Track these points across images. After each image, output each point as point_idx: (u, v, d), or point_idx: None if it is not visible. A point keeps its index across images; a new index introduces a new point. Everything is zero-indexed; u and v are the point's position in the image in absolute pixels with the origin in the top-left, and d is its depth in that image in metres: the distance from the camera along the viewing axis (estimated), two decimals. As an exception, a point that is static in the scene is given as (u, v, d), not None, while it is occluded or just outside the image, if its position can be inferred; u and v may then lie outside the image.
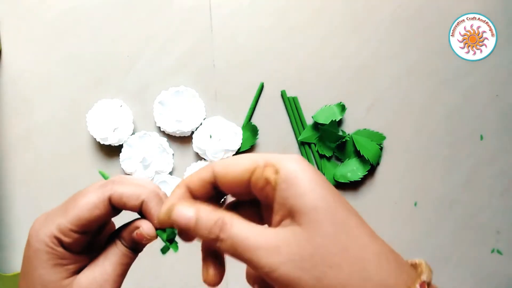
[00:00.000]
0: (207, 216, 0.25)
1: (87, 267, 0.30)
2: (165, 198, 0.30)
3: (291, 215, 0.23)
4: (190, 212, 0.26)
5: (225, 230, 0.24)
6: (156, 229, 0.29)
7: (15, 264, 0.59)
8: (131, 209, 0.29)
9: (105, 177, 0.31)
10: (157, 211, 0.29)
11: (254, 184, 0.25)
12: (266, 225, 0.26)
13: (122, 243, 0.30)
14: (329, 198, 0.24)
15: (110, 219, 0.32)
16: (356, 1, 0.60)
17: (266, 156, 0.26)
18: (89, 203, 0.28)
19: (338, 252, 0.23)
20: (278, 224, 0.24)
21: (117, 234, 0.31)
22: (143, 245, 0.31)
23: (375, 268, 0.24)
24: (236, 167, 0.26)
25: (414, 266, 0.27)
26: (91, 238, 0.31)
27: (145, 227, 0.29)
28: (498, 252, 0.61)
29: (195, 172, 0.28)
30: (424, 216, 0.61)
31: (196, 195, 0.28)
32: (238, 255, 0.24)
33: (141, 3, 0.59)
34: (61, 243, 0.28)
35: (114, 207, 0.29)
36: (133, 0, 0.59)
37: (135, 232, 0.29)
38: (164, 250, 0.29)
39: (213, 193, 0.28)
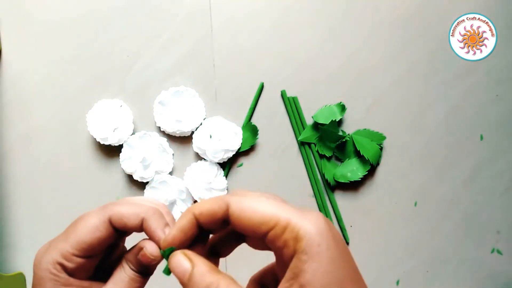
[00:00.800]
0: (200, 277, 0.24)
1: None
2: (168, 215, 0.29)
3: (305, 280, 0.22)
4: (186, 265, 0.25)
5: None
6: (160, 248, 0.28)
7: (15, 264, 0.59)
8: (133, 228, 0.28)
9: None
10: (158, 228, 0.28)
11: (270, 240, 0.24)
12: None
13: (130, 267, 0.29)
14: (346, 284, 0.23)
15: (120, 243, 0.31)
16: (356, 1, 0.60)
17: (288, 212, 0.24)
18: (89, 225, 0.28)
19: None
20: (292, 280, 0.23)
21: (124, 258, 0.29)
22: (152, 268, 0.30)
23: None
24: (254, 216, 0.24)
25: None
26: (99, 263, 0.30)
27: (149, 247, 0.28)
28: (498, 252, 0.61)
29: (207, 202, 0.26)
30: (424, 216, 0.61)
31: (202, 224, 0.27)
32: None
33: (141, 3, 0.59)
34: (65, 269, 0.27)
35: (117, 230, 0.28)
36: (133, 0, 0.59)
37: (140, 254, 0.28)
38: (166, 271, 0.28)
39: (220, 226, 0.27)
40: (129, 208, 0.28)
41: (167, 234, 0.27)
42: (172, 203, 0.58)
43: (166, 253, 0.28)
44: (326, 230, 0.23)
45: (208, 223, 0.26)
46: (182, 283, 0.25)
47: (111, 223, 0.28)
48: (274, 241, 0.24)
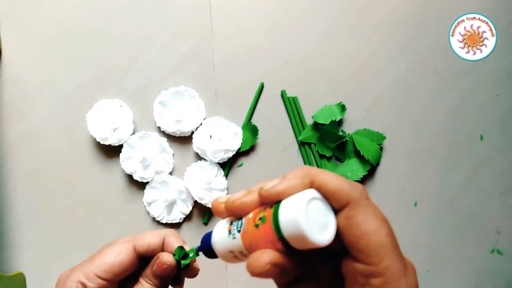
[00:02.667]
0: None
1: None
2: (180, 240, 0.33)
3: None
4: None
5: None
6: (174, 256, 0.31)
7: (15, 264, 0.59)
8: (156, 248, 0.31)
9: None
10: (176, 241, 0.32)
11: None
12: None
13: (146, 281, 0.31)
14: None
15: (139, 278, 0.33)
16: (356, 1, 0.60)
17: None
18: (114, 250, 0.31)
19: None
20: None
21: (141, 275, 0.32)
22: (167, 280, 0.32)
23: None
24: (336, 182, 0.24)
25: None
26: None
27: (164, 255, 0.31)
28: (498, 252, 0.61)
29: (291, 175, 0.24)
30: (424, 216, 0.61)
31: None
32: None
33: (141, 3, 0.59)
34: None
35: (140, 258, 0.32)
36: (133, 0, 0.59)
37: (155, 263, 0.31)
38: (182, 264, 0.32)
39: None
40: (152, 232, 0.32)
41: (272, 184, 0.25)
42: (172, 203, 0.58)
43: (179, 257, 0.31)
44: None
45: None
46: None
47: (135, 250, 0.31)
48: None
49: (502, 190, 0.61)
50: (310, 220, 0.22)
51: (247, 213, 0.25)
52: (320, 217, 0.23)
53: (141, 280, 0.32)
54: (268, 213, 0.23)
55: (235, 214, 0.26)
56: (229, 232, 0.26)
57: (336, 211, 0.23)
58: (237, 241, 0.25)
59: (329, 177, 0.23)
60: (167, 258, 0.31)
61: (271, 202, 0.24)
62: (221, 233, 0.27)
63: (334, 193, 0.23)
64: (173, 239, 0.32)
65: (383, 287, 0.22)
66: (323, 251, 0.25)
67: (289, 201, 0.23)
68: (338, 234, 0.23)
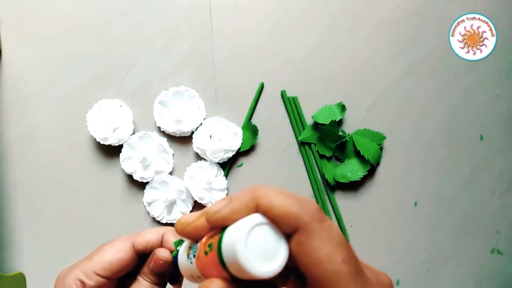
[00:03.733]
0: None
1: None
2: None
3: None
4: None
5: None
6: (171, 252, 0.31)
7: (15, 264, 0.59)
8: (154, 244, 0.31)
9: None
10: (174, 239, 0.32)
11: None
12: None
13: (145, 279, 0.31)
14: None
15: (138, 276, 0.33)
16: (356, 1, 0.60)
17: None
18: (113, 247, 0.31)
19: None
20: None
21: (139, 273, 0.32)
22: (165, 277, 0.32)
23: None
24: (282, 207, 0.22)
25: None
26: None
27: (161, 251, 0.31)
28: (498, 252, 0.61)
29: (236, 198, 0.23)
30: (424, 216, 0.61)
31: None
32: None
33: (141, 3, 0.59)
34: (84, 286, 0.30)
35: (140, 256, 0.31)
36: (133, 0, 0.59)
37: (152, 260, 0.31)
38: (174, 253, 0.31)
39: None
40: (152, 229, 0.32)
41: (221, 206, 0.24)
42: (172, 203, 0.58)
43: (175, 252, 0.31)
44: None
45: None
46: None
47: (134, 247, 0.31)
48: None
49: (502, 190, 0.61)
50: (251, 250, 0.20)
51: (201, 237, 0.24)
52: (267, 244, 0.21)
53: (139, 277, 0.32)
54: (215, 240, 0.22)
55: (191, 238, 0.25)
56: (187, 256, 0.25)
57: (288, 236, 0.21)
58: (193, 266, 0.24)
59: (275, 199, 0.21)
60: (163, 253, 0.31)
61: (218, 228, 0.23)
62: (182, 256, 0.26)
63: (281, 217, 0.21)
64: (172, 236, 0.32)
65: None
66: (292, 272, 0.24)
67: (232, 228, 0.21)
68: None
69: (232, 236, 0.21)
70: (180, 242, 0.31)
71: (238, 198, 0.22)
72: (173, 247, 0.31)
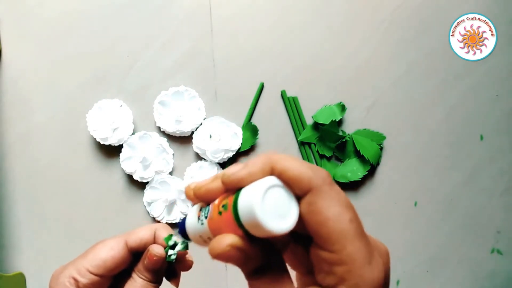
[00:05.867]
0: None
1: None
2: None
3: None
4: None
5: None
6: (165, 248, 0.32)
7: (15, 264, 0.59)
8: (147, 241, 0.32)
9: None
10: (166, 233, 0.32)
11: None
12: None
13: (139, 276, 0.31)
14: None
15: (132, 273, 0.33)
16: (356, 1, 0.60)
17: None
18: (106, 245, 0.31)
19: None
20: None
21: (133, 270, 0.32)
22: (160, 274, 0.32)
23: None
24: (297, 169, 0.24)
25: None
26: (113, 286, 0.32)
27: (154, 247, 0.31)
28: (498, 252, 0.61)
29: (252, 162, 0.24)
30: (424, 216, 0.61)
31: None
32: None
33: (141, 3, 0.59)
34: (77, 284, 0.30)
35: (134, 253, 0.32)
36: (133, 0, 0.59)
37: (146, 256, 0.31)
38: (169, 258, 0.32)
39: None
40: (144, 227, 0.32)
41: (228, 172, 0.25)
42: (172, 203, 0.58)
43: (167, 248, 0.31)
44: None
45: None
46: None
47: (127, 245, 0.31)
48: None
49: (502, 190, 0.61)
50: (267, 208, 0.22)
51: (214, 200, 0.25)
52: (280, 204, 0.22)
53: (134, 275, 0.32)
54: (230, 200, 0.23)
55: (203, 200, 0.26)
56: (198, 218, 0.26)
57: (299, 198, 0.23)
58: (205, 227, 0.25)
59: (290, 163, 0.22)
60: (157, 249, 0.31)
61: (233, 189, 0.24)
62: (192, 218, 0.27)
63: (295, 179, 0.22)
64: (164, 232, 0.32)
65: (346, 276, 0.21)
66: (297, 237, 0.25)
67: (248, 189, 0.23)
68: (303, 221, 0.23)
69: (249, 195, 0.22)
70: (170, 237, 0.32)
71: (254, 163, 0.23)
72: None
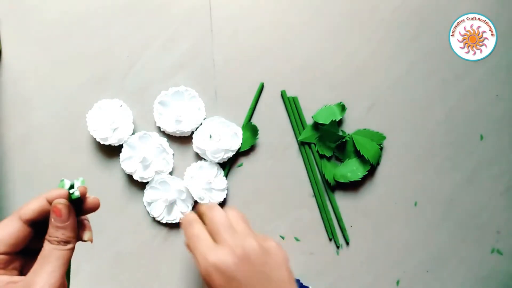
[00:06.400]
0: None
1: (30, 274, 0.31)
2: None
3: None
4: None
5: None
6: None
7: (15, 264, 0.59)
8: (41, 210, 0.32)
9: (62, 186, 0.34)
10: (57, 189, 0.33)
11: None
12: None
13: (51, 240, 0.32)
14: None
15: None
16: (356, 1, 0.60)
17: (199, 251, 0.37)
18: (1, 224, 0.32)
19: None
20: None
21: (44, 240, 0.33)
22: (72, 227, 0.33)
23: None
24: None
25: None
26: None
27: (54, 191, 0.33)
28: (498, 252, 0.61)
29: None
30: (424, 216, 0.61)
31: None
32: None
33: (141, 3, 0.59)
34: None
35: (32, 225, 0.33)
36: (133, 0, 0.59)
37: (51, 213, 0.32)
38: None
39: None
40: (33, 199, 0.33)
41: None
42: (172, 203, 0.58)
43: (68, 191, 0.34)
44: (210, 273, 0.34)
45: None
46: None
47: (21, 219, 0.32)
48: None
49: (502, 190, 0.61)
50: None
51: None
52: None
53: (45, 243, 0.32)
54: None
55: None
56: None
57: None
58: None
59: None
60: (57, 192, 0.32)
61: None
62: None
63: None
64: (54, 192, 0.33)
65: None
66: None
67: None
68: None
69: None
70: (62, 182, 0.33)
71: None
72: (63, 197, 0.33)
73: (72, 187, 0.33)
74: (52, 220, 0.32)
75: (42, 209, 0.33)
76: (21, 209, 0.33)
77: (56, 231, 0.32)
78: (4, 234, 0.32)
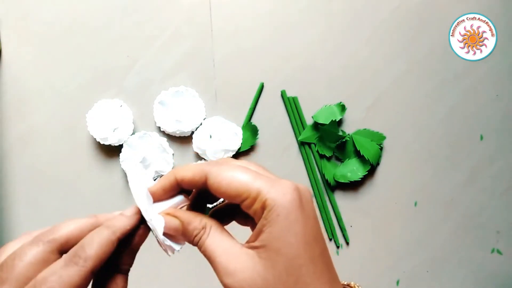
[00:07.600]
0: (189, 222, 0.28)
1: None
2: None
3: (261, 242, 0.26)
4: (175, 223, 0.29)
5: (202, 239, 0.27)
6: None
7: (15, 264, 0.59)
8: (79, 235, 0.28)
9: None
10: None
11: (245, 209, 0.27)
12: (236, 242, 0.27)
13: (121, 271, 0.30)
14: (296, 246, 0.25)
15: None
16: (356, 1, 0.60)
17: (260, 182, 0.26)
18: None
19: None
20: (253, 239, 0.27)
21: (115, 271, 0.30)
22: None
23: None
24: (229, 188, 0.27)
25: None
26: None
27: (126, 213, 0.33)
28: (498, 252, 0.61)
29: (189, 170, 0.28)
30: (424, 216, 0.61)
31: (183, 187, 0.30)
32: (208, 260, 0.27)
33: (141, 3, 0.59)
34: None
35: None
36: (133, 0, 0.59)
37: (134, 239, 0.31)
38: None
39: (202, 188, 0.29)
40: (69, 223, 0.29)
41: (150, 187, 0.32)
42: (172, 203, 0.58)
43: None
44: (290, 200, 0.26)
45: (189, 188, 0.30)
46: (177, 233, 0.29)
47: (58, 252, 0.27)
48: (247, 210, 0.27)
49: (502, 190, 0.61)
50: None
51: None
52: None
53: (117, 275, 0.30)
54: None
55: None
56: None
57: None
58: None
59: (225, 175, 0.27)
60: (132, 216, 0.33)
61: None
62: None
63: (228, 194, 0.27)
64: (101, 217, 0.30)
65: (259, 206, 0.26)
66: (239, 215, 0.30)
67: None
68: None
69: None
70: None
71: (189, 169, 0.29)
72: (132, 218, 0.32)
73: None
74: (134, 243, 0.32)
75: (84, 233, 0.28)
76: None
77: (129, 257, 0.32)
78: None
